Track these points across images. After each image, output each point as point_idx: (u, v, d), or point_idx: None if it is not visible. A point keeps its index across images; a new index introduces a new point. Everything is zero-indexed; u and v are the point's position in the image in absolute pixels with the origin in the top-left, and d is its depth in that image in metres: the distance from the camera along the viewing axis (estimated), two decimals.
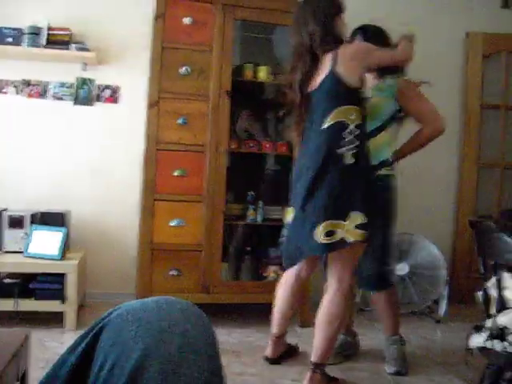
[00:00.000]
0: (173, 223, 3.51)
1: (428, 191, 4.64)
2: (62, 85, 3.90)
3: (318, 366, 2.57)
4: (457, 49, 4.68)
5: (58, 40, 3.73)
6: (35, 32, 3.69)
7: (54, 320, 3.33)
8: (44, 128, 3.91)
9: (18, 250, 3.46)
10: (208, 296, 3.53)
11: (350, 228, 2.44)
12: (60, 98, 3.91)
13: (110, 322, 0.86)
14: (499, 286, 2.23)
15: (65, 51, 3.74)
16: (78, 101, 3.92)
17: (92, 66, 3.92)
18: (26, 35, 3.68)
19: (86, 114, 3.95)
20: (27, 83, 3.85)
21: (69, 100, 3.92)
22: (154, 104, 3.51)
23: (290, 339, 3.12)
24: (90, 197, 3.95)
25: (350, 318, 3.18)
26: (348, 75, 2.51)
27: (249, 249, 3.90)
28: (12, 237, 3.48)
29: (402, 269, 4.08)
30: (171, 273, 3.50)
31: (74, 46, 3.75)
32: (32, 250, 3.40)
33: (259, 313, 3.64)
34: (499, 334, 2.10)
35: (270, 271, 3.76)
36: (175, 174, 3.50)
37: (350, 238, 2.44)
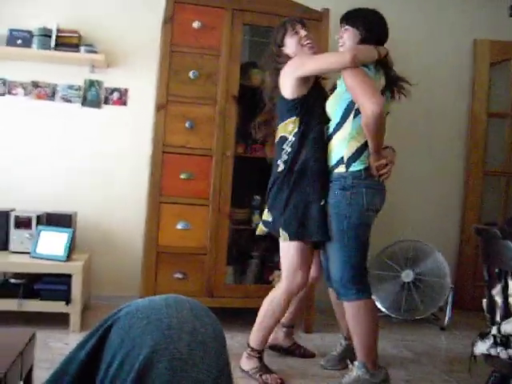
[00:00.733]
0: (178, 226, 3.51)
1: (433, 198, 4.64)
2: (71, 87, 3.93)
3: (253, 350, 2.86)
4: (464, 56, 4.69)
5: (67, 42, 3.75)
6: (45, 34, 3.71)
7: (58, 321, 3.34)
8: (52, 129, 3.93)
9: (24, 250, 3.47)
10: (212, 300, 3.53)
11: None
12: (68, 100, 3.93)
13: (119, 319, 0.87)
14: (504, 293, 2.23)
15: (74, 53, 3.77)
16: (86, 103, 3.95)
17: (100, 69, 3.94)
18: (36, 37, 3.71)
19: (93, 117, 3.97)
20: (36, 85, 3.88)
21: (77, 102, 3.94)
22: (161, 107, 3.52)
23: None
24: (96, 198, 3.96)
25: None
26: (284, 90, 2.76)
27: (254, 253, 3.90)
28: (18, 237, 3.49)
29: (407, 276, 4.08)
30: (176, 275, 3.51)
31: (82, 48, 3.77)
32: (38, 250, 3.41)
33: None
34: (504, 341, 2.10)
35: (275, 276, 3.76)
36: (182, 177, 3.51)
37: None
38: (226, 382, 0.85)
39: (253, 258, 3.89)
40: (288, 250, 2.80)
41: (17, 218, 3.51)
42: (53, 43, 3.72)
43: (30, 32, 3.73)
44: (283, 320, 3.10)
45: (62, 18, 3.82)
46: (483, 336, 2.25)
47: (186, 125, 3.51)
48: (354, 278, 2.70)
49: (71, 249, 3.48)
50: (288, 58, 2.80)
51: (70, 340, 3.16)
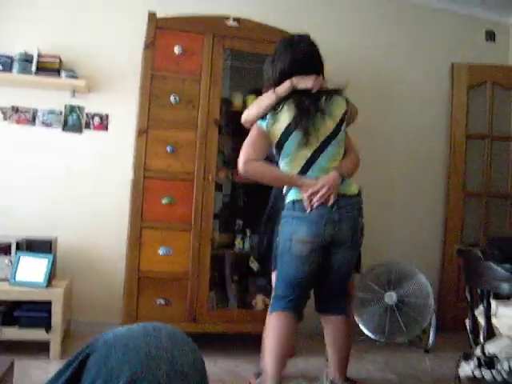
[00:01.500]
0: (160, 251, 3.49)
1: (415, 220, 4.67)
2: (51, 112, 3.91)
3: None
4: (442, 80, 4.76)
5: (47, 67, 3.75)
6: (25, 59, 3.70)
7: (38, 349, 3.27)
8: (32, 155, 3.90)
9: (3, 277, 3.41)
10: (195, 325, 3.50)
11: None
12: (49, 125, 3.91)
13: (96, 349, 0.85)
14: (487, 314, 2.23)
15: (54, 78, 3.76)
16: (66, 128, 3.93)
17: (81, 94, 3.93)
18: (17, 62, 3.70)
19: (74, 142, 3.95)
20: (16, 110, 3.86)
21: (58, 127, 3.92)
22: (142, 132, 3.52)
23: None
24: (77, 224, 3.93)
25: None
26: None
27: (236, 278, 3.88)
28: None
29: (390, 298, 4.07)
30: (158, 301, 3.47)
31: (63, 73, 3.77)
32: (18, 277, 3.36)
33: (246, 342, 3.61)
34: (488, 362, 2.10)
35: (258, 300, 3.74)
36: (163, 201, 3.49)
37: None
38: None
39: (235, 283, 3.87)
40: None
41: None
42: (34, 68, 3.71)
43: (10, 57, 3.72)
44: None
45: (42, 43, 3.81)
46: (467, 357, 2.25)
47: (167, 149, 3.51)
48: (273, 299, 2.73)
49: (51, 275, 3.43)
50: None
51: (50, 368, 3.10)
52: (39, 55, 3.74)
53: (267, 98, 2.60)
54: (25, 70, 3.70)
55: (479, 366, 2.14)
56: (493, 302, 2.28)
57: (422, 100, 4.72)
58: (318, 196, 2.53)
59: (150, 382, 0.78)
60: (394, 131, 4.61)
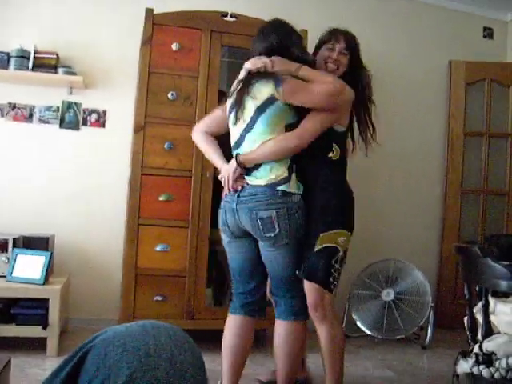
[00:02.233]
0: (158, 248, 3.48)
1: (413, 217, 4.67)
2: (48, 108, 3.89)
3: None
4: (440, 77, 4.75)
5: (44, 64, 3.73)
6: (22, 55, 3.69)
7: (35, 346, 3.27)
8: (29, 151, 3.89)
9: (0, 274, 3.41)
10: (193, 322, 3.49)
11: None
12: (46, 122, 3.89)
13: (94, 347, 0.84)
14: (485, 312, 2.23)
15: (51, 75, 3.75)
16: (63, 125, 3.91)
17: (78, 90, 3.92)
18: (13, 58, 3.69)
19: (71, 138, 3.93)
20: (13, 106, 3.84)
21: (55, 124, 3.91)
22: (139, 129, 3.50)
23: None
24: (74, 221, 3.92)
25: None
26: None
27: None
28: None
29: (387, 295, 4.08)
30: (155, 298, 3.46)
31: (60, 69, 3.75)
32: (14, 274, 3.35)
33: None
34: (486, 359, 2.10)
35: None
36: (161, 198, 3.49)
37: None
38: None
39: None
40: None
41: None
42: (30, 64, 3.70)
43: (7, 53, 3.70)
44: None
45: (39, 39, 3.80)
46: (465, 354, 2.25)
47: (165, 146, 3.50)
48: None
49: (48, 272, 3.42)
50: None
51: (46, 365, 3.09)
52: (36, 51, 3.72)
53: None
54: (21, 66, 3.69)
55: (477, 363, 2.14)
56: (491, 300, 2.28)
57: (419, 97, 4.72)
58: (223, 183, 2.53)
59: (149, 381, 0.77)
60: (391, 129, 4.60)
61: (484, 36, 4.91)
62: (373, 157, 4.49)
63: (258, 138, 2.43)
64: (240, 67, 2.64)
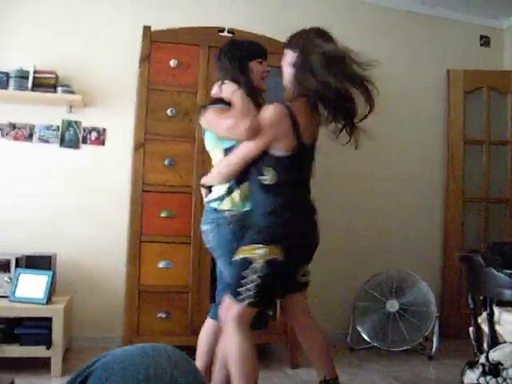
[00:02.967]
0: (160, 265, 3.47)
1: (414, 227, 4.66)
2: (48, 127, 3.90)
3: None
4: (438, 86, 4.77)
5: (44, 83, 3.74)
6: (21, 75, 3.70)
7: (39, 366, 3.25)
8: (30, 171, 3.89)
9: (2, 294, 3.39)
10: (197, 338, 3.47)
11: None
12: (46, 141, 3.90)
13: (95, 371, 0.84)
14: (490, 321, 2.22)
15: (51, 94, 3.76)
16: (64, 143, 3.92)
17: (78, 109, 3.93)
18: (13, 78, 3.70)
19: (72, 157, 3.94)
20: (13, 126, 3.85)
21: (55, 143, 3.91)
22: (139, 146, 3.51)
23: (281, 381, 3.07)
24: (76, 239, 3.91)
25: None
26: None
27: None
28: None
29: (392, 306, 4.06)
30: (159, 315, 3.45)
31: (60, 88, 3.77)
32: (17, 294, 3.34)
33: None
34: (493, 369, 2.08)
35: None
36: (162, 215, 3.48)
37: None
38: None
39: None
40: None
41: None
42: (30, 84, 3.71)
43: (6, 73, 3.72)
44: None
45: (38, 59, 3.81)
46: (472, 365, 2.23)
47: (165, 162, 3.51)
48: None
49: (51, 291, 3.41)
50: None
51: None
52: (35, 71, 3.73)
53: None
54: (21, 86, 3.70)
55: (484, 373, 2.12)
56: (496, 309, 2.27)
57: (418, 107, 4.72)
58: None
59: None
60: (391, 138, 4.61)
61: (481, 44, 4.93)
62: (373, 166, 4.53)
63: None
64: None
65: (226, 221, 2.54)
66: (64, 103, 3.87)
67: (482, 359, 2.18)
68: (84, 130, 3.96)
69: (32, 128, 3.89)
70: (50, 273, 3.44)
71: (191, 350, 0.91)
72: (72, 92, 3.80)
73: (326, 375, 2.59)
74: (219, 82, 2.64)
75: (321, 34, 2.58)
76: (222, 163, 2.57)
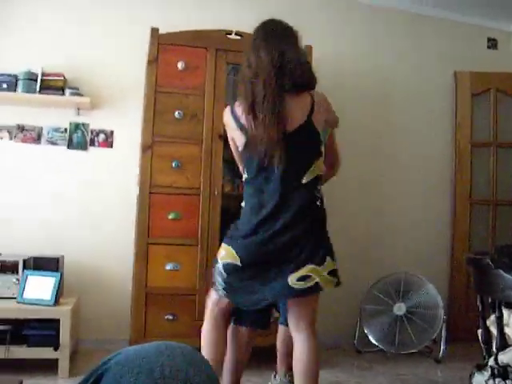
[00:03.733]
0: (167, 267, 3.48)
1: (422, 230, 4.65)
2: (56, 130, 3.92)
3: None
4: (446, 88, 4.76)
5: (52, 86, 3.76)
6: (30, 78, 3.72)
7: (46, 367, 3.26)
8: (38, 173, 3.90)
9: (10, 295, 3.41)
10: None
11: (325, 274, 2.35)
12: (54, 143, 3.92)
13: (109, 370, 0.83)
14: (499, 324, 2.21)
15: (59, 96, 3.77)
16: (71, 145, 3.94)
17: (86, 111, 3.94)
18: (21, 81, 3.72)
19: (80, 159, 3.95)
20: (21, 128, 3.87)
21: (63, 145, 3.93)
22: (147, 148, 3.52)
23: None
24: (83, 241, 3.92)
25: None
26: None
27: None
28: (4, 282, 3.43)
29: (399, 309, 4.04)
30: (166, 317, 3.45)
31: (67, 91, 3.78)
32: (25, 295, 3.35)
33: (255, 355, 3.57)
34: (502, 372, 2.07)
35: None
36: (169, 217, 3.49)
37: (323, 284, 2.35)
38: None
39: None
40: (317, 299, 2.50)
41: (3, 262, 3.46)
42: (38, 87, 3.72)
43: (15, 76, 3.74)
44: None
45: (46, 62, 3.83)
46: (480, 368, 2.22)
47: (173, 164, 3.51)
48: None
49: (59, 293, 3.42)
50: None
51: None
52: (43, 74, 3.75)
53: None
54: (29, 88, 3.71)
55: (493, 376, 2.11)
56: (505, 311, 2.25)
57: (426, 109, 4.72)
58: None
59: None
60: (398, 141, 4.61)
61: (488, 47, 4.92)
62: (380, 169, 4.53)
63: None
64: None
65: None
66: (72, 105, 3.88)
67: (491, 362, 2.17)
68: (92, 133, 3.97)
69: (40, 130, 3.90)
70: (58, 274, 3.45)
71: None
72: (80, 94, 3.81)
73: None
74: None
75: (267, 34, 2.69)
76: None
